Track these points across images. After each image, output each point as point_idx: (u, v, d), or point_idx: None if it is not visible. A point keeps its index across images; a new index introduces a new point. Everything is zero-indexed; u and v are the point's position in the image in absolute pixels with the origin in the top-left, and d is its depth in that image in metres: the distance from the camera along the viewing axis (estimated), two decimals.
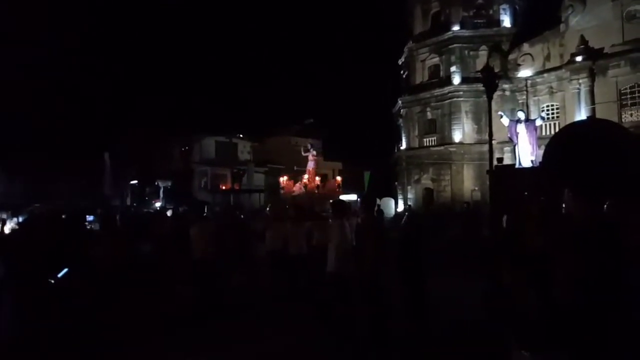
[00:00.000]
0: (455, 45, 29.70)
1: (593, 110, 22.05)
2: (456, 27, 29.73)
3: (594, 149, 11.20)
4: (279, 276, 9.06)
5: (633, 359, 3.55)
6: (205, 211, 10.71)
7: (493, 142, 12.99)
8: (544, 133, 22.54)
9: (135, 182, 30.59)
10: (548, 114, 24.72)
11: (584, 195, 4.45)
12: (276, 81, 75.76)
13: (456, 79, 29.41)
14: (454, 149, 29.23)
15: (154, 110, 48.05)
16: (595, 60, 22.56)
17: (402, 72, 34.86)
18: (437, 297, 7.07)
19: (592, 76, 22.70)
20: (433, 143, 30.76)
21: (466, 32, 29.51)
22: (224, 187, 36.52)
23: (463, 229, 15.09)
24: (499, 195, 13.51)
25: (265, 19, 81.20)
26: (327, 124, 63.45)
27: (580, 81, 22.95)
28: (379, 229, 6.49)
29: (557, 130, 20.84)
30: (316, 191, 21.39)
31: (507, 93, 26.52)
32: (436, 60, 31.01)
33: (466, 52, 29.49)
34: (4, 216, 15.59)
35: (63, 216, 8.94)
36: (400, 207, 31.45)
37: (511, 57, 26.73)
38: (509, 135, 18.69)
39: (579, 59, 22.88)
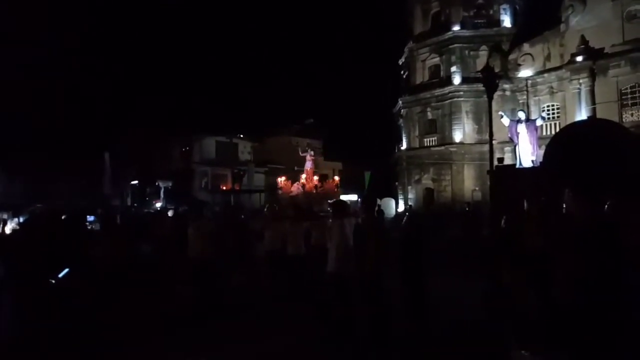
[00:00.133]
0: (455, 45, 29.70)
1: (593, 110, 22.04)
2: (456, 27, 29.73)
3: (594, 149, 11.20)
4: (278, 276, 9.06)
5: (633, 359, 3.54)
6: (204, 211, 10.71)
7: (493, 142, 12.98)
8: (544, 133, 22.54)
9: (135, 182, 30.60)
10: (548, 114, 24.71)
11: (585, 195, 4.44)
12: (276, 81, 75.87)
13: (456, 79, 29.41)
14: (454, 149, 29.23)
15: (154, 110, 48.08)
16: (595, 60, 22.55)
17: (402, 72, 34.87)
18: (438, 297, 7.06)
19: (592, 76, 22.69)
20: (433, 143, 30.76)
21: (466, 32, 29.52)
22: (224, 188, 36.52)
23: (463, 229, 15.09)
24: (499, 195, 13.51)
25: (265, 19, 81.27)
26: (328, 124, 63.55)
27: (581, 81, 22.94)
28: (379, 229, 6.49)
29: (557, 130, 20.82)
30: (314, 191, 21.41)
31: (508, 93, 26.52)
32: (436, 60, 31.01)
33: (466, 52, 29.50)
34: (5, 216, 15.60)
35: (63, 216, 8.94)
36: (401, 207, 31.46)
37: (511, 57, 26.73)
38: (509, 135, 18.67)
39: (579, 59, 22.87)
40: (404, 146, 32.95)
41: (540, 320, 4.53)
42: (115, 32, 59.46)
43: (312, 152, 23.05)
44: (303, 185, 21.76)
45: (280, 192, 23.12)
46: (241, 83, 77.00)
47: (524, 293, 5.29)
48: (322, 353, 5.87)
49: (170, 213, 18.53)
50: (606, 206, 4.42)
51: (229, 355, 5.90)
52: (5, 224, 14.86)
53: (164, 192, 29.25)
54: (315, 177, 22.66)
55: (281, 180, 23.58)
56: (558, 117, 24.70)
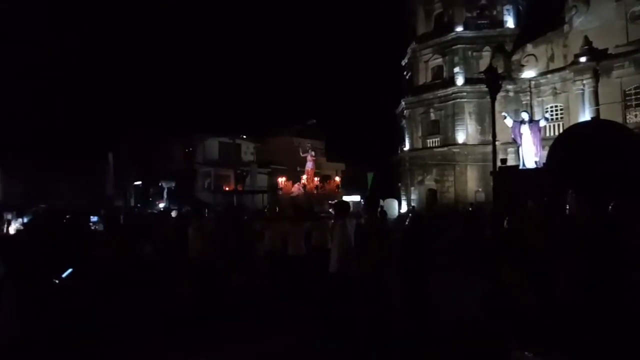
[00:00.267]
0: (458, 46, 29.66)
1: (597, 111, 21.95)
2: (459, 28, 29.69)
3: (598, 149, 11.15)
4: (278, 276, 9.07)
5: (634, 359, 3.52)
6: (204, 211, 10.71)
7: (497, 143, 12.95)
8: (547, 134, 22.49)
9: (139, 182, 30.68)
10: (552, 115, 24.65)
11: (587, 196, 4.42)
12: (279, 82, 75.84)
13: (459, 80, 29.37)
14: (457, 150, 29.16)
15: (157, 111, 48.18)
16: (599, 61, 22.46)
17: (405, 73, 34.84)
18: (439, 297, 7.05)
19: (596, 77, 22.60)
20: (436, 144, 30.70)
21: (469, 33, 29.48)
22: (227, 188, 36.59)
23: (465, 229, 15.05)
24: (502, 196, 13.46)
25: (268, 20, 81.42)
26: (330, 125, 63.61)
27: (584, 82, 22.86)
28: (382, 229, 6.48)
29: (561, 131, 20.76)
30: (315, 192, 21.40)
31: (511, 94, 26.47)
32: (439, 61, 30.97)
33: (469, 53, 29.45)
34: (9, 217, 15.64)
35: (67, 216, 8.96)
36: (404, 208, 31.42)
37: (515, 57, 26.68)
38: (512, 136, 18.64)
39: (582, 59, 22.79)
40: (406, 147, 32.91)
41: (541, 320, 4.51)
42: (116, 32, 59.71)
43: (312, 153, 23.03)
44: (304, 186, 21.74)
45: (280, 192, 23.12)
46: (244, 84, 77.21)
47: (525, 293, 5.26)
48: (322, 353, 5.86)
49: (173, 213, 18.57)
50: (610, 207, 4.40)
51: (229, 355, 5.89)
52: (9, 224, 14.91)
53: (167, 193, 29.29)
54: (316, 178, 22.64)
55: (282, 180, 23.58)
56: (561, 118, 24.63)
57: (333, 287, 6.37)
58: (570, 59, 23.74)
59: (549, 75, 25.19)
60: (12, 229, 13.86)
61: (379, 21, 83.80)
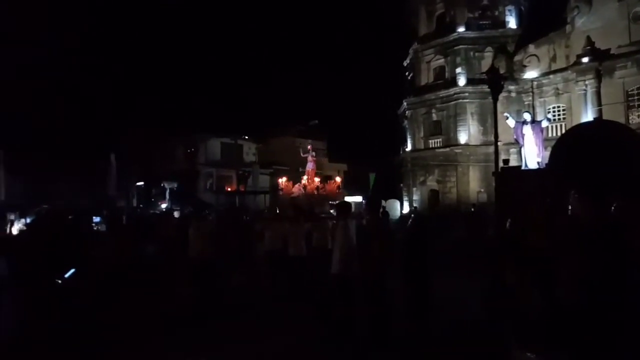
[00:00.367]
0: (460, 46, 29.63)
1: (600, 112, 21.89)
2: (461, 29, 29.66)
3: (600, 150, 11.11)
4: (279, 276, 9.07)
5: (636, 359, 3.51)
6: (205, 211, 10.72)
7: (499, 143, 12.93)
8: (550, 135, 22.42)
9: (141, 183, 30.71)
10: (554, 116, 24.58)
11: (590, 196, 4.40)
12: (281, 82, 75.95)
13: (461, 81, 29.33)
14: (459, 151, 29.12)
15: (159, 111, 48.30)
16: (601, 61, 22.41)
17: (407, 73, 34.82)
18: (441, 297, 7.04)
19: (598, 77, 22.54)
20: (438, 144, 30.67)
21: (471, 34, 29.44)
22: (229, 189, 36.60)
23: (467, 230, 15.03)
24: (504, 197, 13.43)
25: (270, 20, 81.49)
26: (332, 125, 63.62)
27: (587, 82, 22.80)
28: (383, 230, 6.48)
29: (563, 131, 20.71)
30: (316, 192, 21.39)
31: (513, 94, 26.42)
32: (441, 61, 30.95)
33: (471, 53, 29.41)
34: (12, 217, 15.69)
35: (70, 217, 8.99)
36: (406, 209, 31.38)
37: (517, 58, 26.64)
38: (514, 136, 18.57)
39: (585, 60, 22.74)
40: (408, 148, 32.88)
41: (542, 321, 4.49)
42: (117, 32, 59.86)
43: (313, 153, 23.03)
44: (304, 187, 21.73)
45: (281, 193, 23.12)
46: (246, 84, 77.27)
47: (528, 293, 5.24)
48: (322, 353, 5.85)
49: (176, 214, 18.61)
50: (612, 208, 4.38)
51: (229, 355, 5.89)
52: (12, 224, 14.97)
53: (170, 194, 29.31)
54: (317, 179, 22.64)
55: (282, 181, 23.58)
56: (564, 118, 24.57)
57: (335, 288, 6.37)
58: (572, 59, 23.69)
59: (551, 76, 25.14)
60: (14, 229, 13.90)
61: (381, 22, 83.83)
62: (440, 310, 6.81)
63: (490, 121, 24.03)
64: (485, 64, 24.04)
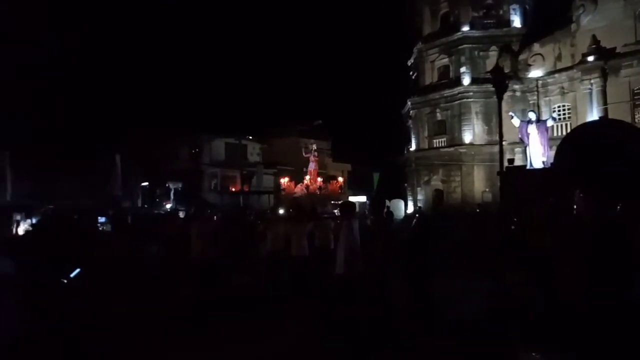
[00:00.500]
0: (464, 45, 29.54)
1: (605, 111, 21.78)
2: (466, 28, 29.57)
3: (606, 149, 11.01)
4: (280, 276, 9.09)
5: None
6: (206, 211, 10.75)
7: (504, 143, 12.89)
8: (555, 134, 22.32)
9: (146, 183, 30.84)
10: (559, 115, 24.48)
11: (595, 196, 4.40)
12: (285, 83, 76.01)
13: (466, 80, 29.25)
14: (464, 150, 29.04)
15: (163, 112, 48.42)
16: (607, 60, 22.28)
17: (411, 73, 34.76)
18: (444, 297, 7.04)
19: (604, 76, 22.42)
20: (443, 144, 30.59)
21: (476, 33, 29.35)
22: (233, 189, 36.67)
23: (471, 230, 14.98)
24: (509, 197, 13.39)
25: (275, 20, 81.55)
26: (336, 125, 63.58)
27: (592, 81, 22.68)
28: (387, 230, 6.49)
29: (568, 130, 20.60)
30: (318, 192, 21.39)
31: (518, 94, 26.32)
32: (446, 61, 30.87)
33: (476, 52, 29.32)
34: (18, 218, 15.80)
35: (75, 217, 9.07)
36: (410, 208, 31.34)
37: (521, 57, 26.53)
38: (519, 136, 18.54)
39: (590, 58, 22.61)
40: (413, 147, 32.83)
41: (546, 321, 4.49)
42: (120, 33, 60.07)
43: (315, 153, 23.02)
44: (307, 187, 21.73)
45: (283, 193, 23.14)
46: (250, 84, 77.37)
47: (530, 293, 5.24)
48: (323, 353, 5.86)
49: (181, 214, 18.66)
50: (617, 208, 4.37)
51: (229, 355, 5.90)
52: (18, 225, 15.08)
53: (174, 194, 29.43)
54: (320, 179, 22.63)
55: (284, 181, 23.60)
56: (569, 117, 24.46)
57: (339, 288, 6.37)
58: (577, 58, 23.57)
59: (556, 75, 25.02)
60: (21, 230, 14.00)
61: (385, 21, 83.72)
62: (444, 310, 6.80)
63: (494, 120, 23.91)
64: (490, 63, 23.98)
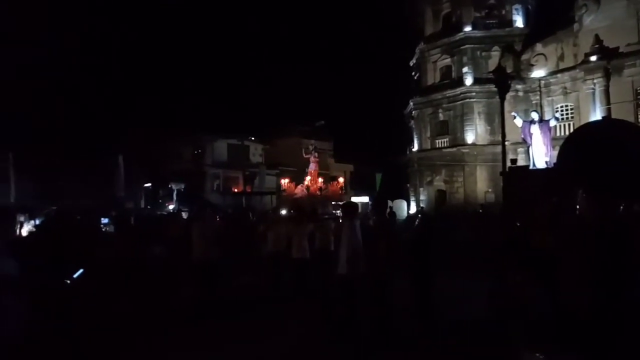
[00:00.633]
0: (467, 46, 29.51)
1: (608, 111, 21.72)
2: (468, 28, 29.55)
3: (609, 149, 11.00)
4: (281, 277, 9.11)
5: None
6: (208, 212, 10.77)
7: (506, 143, 12.90)
8: (558, 134, 22.27)
9: (148, 185, 30.92)
10: (562, 115, 24.43)
11: (597, 196, 4.39)
12: (287, 83, 76.08)
13: (468, 80, 29.22)
14: (466, 151, 29.00)
15: (166, 113, 48.48)
16: (610, 60, 22.22)
17: (413, 73, 34.74)
18: (446, 297, 7.03)
19: (607, 76, 22.36)
20: (445, 144, 30.56)
21: (478, 33, 29.31)
22: (236, 190, 36.72)
23: (473, 230, 14.98)
24: (512, 197, 13.38)
25: (277, 21, 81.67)
26: (339, 126, 63.57)
27: (595, 81, 22.63)
28: (390, 230, 6.50)
29: (571, 130, 20.56)
30: (319, 193, 21.37)
31: (520, 94, 26.28)
32: (448, 61, 30.84)
33: (478, 52, 29.28)
34: (22, 219, 15.83)
35: (78, 217, 9.09)
36: (413, 209, 31.32)
37: (524, 57, 26.49)
38: (522, 136, 18.51)
39: (593, 58, 22.56)
40: (415, 148, 32.81)
41: (549, 321, 4.48)
42: (122, 33, 60.17)
43: (316, 154, 22.99)
44: (307, 187, 21.70)
45: (283, 194, 23.12)
46: (252, 85, 77.50)
47: (533, 293, 5.23)
48: (323, 353, 5.86)
49: (184, 215, 18.69)
50: (620, 208, 4.37)
51: (230, 355, 5.90)
52: (22, 226, 15.11)
53: (177, 195, 29.49)
54: (320, 179, 22.61)
55: (285, 182, 23.59)
56: (572, 117, 24.40)
57: (341, 288, 6.37)
58: (580, 58, 23.52)
59: (559, 75, 24.97)
60: (24, 231, 14.05)
61: (387, 22, 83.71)
62: (446, 310, 6.80)
63: (497, 121, 23.88)
64: (492, 64, 23.94)
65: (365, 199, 33.67)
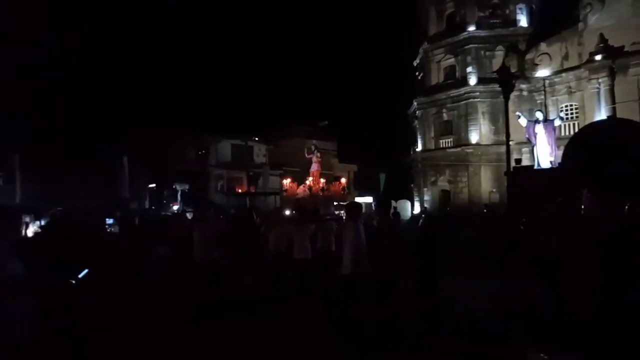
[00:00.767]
0: (471, 45, 29.45)
1: (613, 110, 21.61)
2: (472, 28, 29.48)
3: (614, 149, 10.93)
4: (282, 277, 9.12)
5: None
6: (209, 212, 10.79)
7: (511, 143, 12.82)
8: (562, 133, 22.18)
9: (153, 185, 31.03)
10: (567, 114, 24.33)
11: (602, 196, 4.37)
12: (291, 84, 76.14)
13: (472, 80, 29.15)
14: (470, 150, 28.94)
15: (170, 113, 48.59)
16: (615, 59, 22.11)
17: (417, 73, 34.70)
18: (450, 297, 7.02)
19: (612, 75, 22.25)
20: (449, 144, 30.51)
21: (482, 33, 29.25)
22: (240, 190, 36.77)
23: (478, 230, 14.93)
24: (517, 197, 13.33)
25: (280, 21, 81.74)
26: (342, 126, 63.57)
27: (600, 80, 22.52)
28: (394, 231, 6.49)
29: (576, 130, 20.48)
30: (321, 193, 21.35)
31: (525, 93, 26.19)
32: (452, 61, 30.79)
33: (482, 52, 29.22)
34: (27, 219, 15.91)
35: (81, 217, 9.11)
36: (417, 209, 31.28)
37: (528, 57, 26.40)
38: (527, 136, 18.45)
39: (598, 57, 22.45)
40: (419, 148, 32.76)
41: (554, 321, 4.46)
42: (124, 33, 60.38)
43: (318, 154, 22.95)
44: (309, 188, 21.68)
45: (285, 194, 23.10)
46: (256, 86, 77.60)
47: (538, 294, 5.22)
48: (324, 353, 5.86)
49: (189, 215, 18.72)
50: (626, 208, 4.34)
51: (230, 355, 5.92)
52: (27, 227, 15.19)
53: (181, 195, 29.58)
54: (323, 180, 22.58)
55: (286, 182, 23.56)
56: (577, 117, 24.30)
57: (345, 288, 6.37)
58: (585, 57, 23.42)
59: (563, 74, 24.88)
60: (30, 232, 14.11)
61: (391, 21, 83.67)
62: (451, 310, 6.79)
63: (501, 120, 23.80)
64: (496, 63, 23.88)
65: (369, 199, 33.64)
